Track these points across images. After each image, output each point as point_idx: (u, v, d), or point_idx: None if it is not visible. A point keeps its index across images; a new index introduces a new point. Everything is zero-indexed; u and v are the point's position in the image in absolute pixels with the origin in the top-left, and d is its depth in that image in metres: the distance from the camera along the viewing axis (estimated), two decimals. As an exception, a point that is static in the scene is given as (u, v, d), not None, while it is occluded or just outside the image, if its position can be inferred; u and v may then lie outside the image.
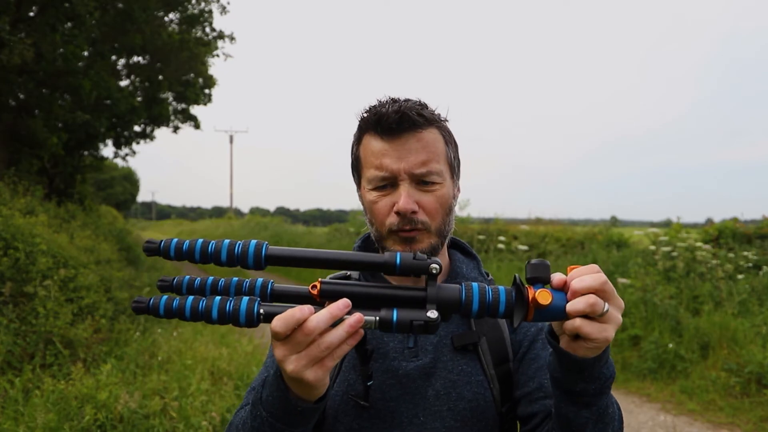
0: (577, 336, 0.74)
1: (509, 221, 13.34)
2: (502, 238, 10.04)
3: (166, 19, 12.79)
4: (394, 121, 0.93)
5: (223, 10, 13.00)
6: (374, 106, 0.98)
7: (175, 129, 15.17)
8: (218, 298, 0.76)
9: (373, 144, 0.97)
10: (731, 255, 7.44)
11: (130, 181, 34.65)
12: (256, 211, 44.55)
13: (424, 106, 0.98)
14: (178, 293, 0.79)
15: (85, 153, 13.62)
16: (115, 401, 3.56)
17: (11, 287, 4.71)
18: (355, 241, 1.12)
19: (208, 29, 13.48)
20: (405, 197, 0.93)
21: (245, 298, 0.75)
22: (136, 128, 14.20)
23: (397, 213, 0.94)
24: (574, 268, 0.76)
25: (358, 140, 1.01)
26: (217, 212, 67.20)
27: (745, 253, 7.52)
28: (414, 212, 0.94)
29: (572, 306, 0.72)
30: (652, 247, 7.93)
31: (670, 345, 5.50)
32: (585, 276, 0.74)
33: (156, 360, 4.71)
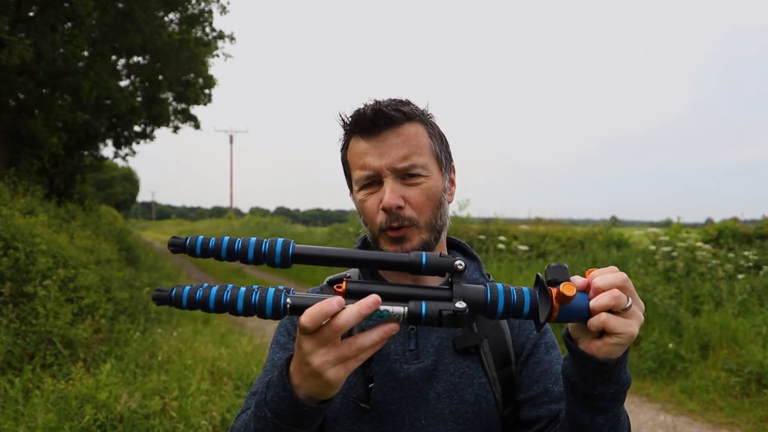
0: (601, 334, 0.74)
1: (509, 221, 13.34)
2: (502, 238, 10.04)
3: (166, 19, 12.79)
4: (370, 119, 0.94)
5: (223, 10, 13.00)
6: (355, 109, 0.99)
7: (175, 129, 15.18)
8: (243, 288, 0.74)
9: (356, 145, 0.98)
10: (731, 255, 7.44)
11: (130, 181, 34.65)
12: (256, 211, 44.54)
13: (405, 102, 0.98)
14: (177, 306, 0.75)
15: (85, 153, 13.63)
16: (115, 401, 3.56)
17: (11, 287, 4.71)
18: (354, 243, 1.12)
19: (208, 29, 13.48)
20: (389, 193, 0.93)
21: (271, 289, 0.74)
22: (136, 128, 14.20)
23: (384, 209, 0.94)
24: (592, 271, 0.77)
25: (345, 145, 1.02)
26: (217, 212, 67.21)
27: (745, 253, 7.52)
28: (400, 207, 0.93)
29: (597, 301, 0.72)
30: (652, 247, 7.93)
31: (670, 345, 5.50)
32: (607, 274, 0.75)
33: (156, 360, 4.71)
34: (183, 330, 5.84)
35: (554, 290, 0.74)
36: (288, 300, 0.73)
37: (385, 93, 1.01)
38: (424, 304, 0.73)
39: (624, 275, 0.75)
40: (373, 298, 0.72)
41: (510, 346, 1.00)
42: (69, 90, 10.27)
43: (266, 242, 0.77)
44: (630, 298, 0.73)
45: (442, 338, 0.99)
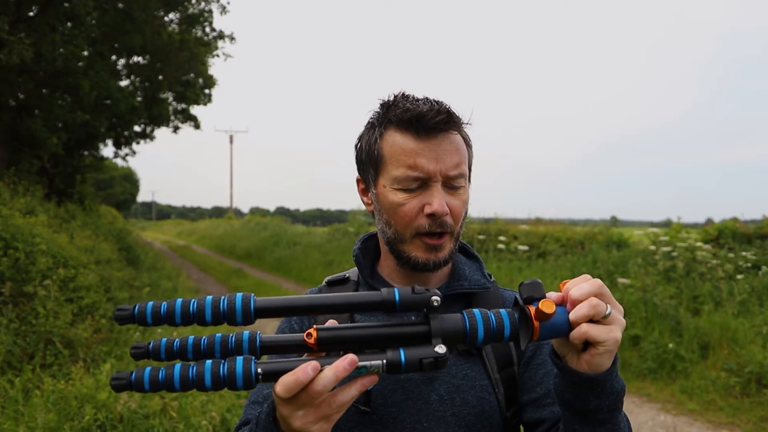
0: (585, 346, 0.73)
1: (509, 221, 13.34)
2: (502, 238, 10.04)
3: (166, 19, 12.80)
4: (439, 120, 0.91)
5: (223, 10, 13.01)
6: (401, 101, 0.95)
7: (175, 129, 15.19)
8: (209, 362, 0.70)
9: (404, 141, 0.93)
10: (731, 255, 7.44)
11: (130, 181, 34.64)
12: (256, 211, 44.56)
13: (450, 106, 0.97)
14: (156, 359, 0.71)
15: (85, 153, 13.63)
16: (115, 401, 3.55)
17: (11, 287, 4.71)
18: (355, 242, 1.10)
19: (208, 29, 13.49)
20: (440, 199, 0.91)
21: (239, 359, 0.70)
22: (136, 128, 14.21)
23: (431, 215, 0.92)
24: (566, 282, 0.76)
25: (380, 135, 0.96)
26: (217, 212, 67.21)
27: (745, 253, 7.52)
28: (446, 214, 0.92)
29: (576, 312, 0.71)
30: (652, 247, 7.93)
31: (670, 345, 5.50)
32: (582, 284, 0.73)
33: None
34: (183, 330, 5.84)
35: (532, 308, 0.72)
36: (259, 369, 0.69)
37: (385, 93, 0.99)
38: (402, 353, 0.71)
39: (599, 282, 0.73)
40: (350, 359, 0.69)
41: (512, 347, 1.00)
42: (69, 90, 10.27)
43: (224, 300, 0.72)
44: (608, 305, 0.72)
45: None
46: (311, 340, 0.72)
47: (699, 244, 7.76)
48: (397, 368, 0.71)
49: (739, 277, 6.74)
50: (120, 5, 10.68)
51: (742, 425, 4.44)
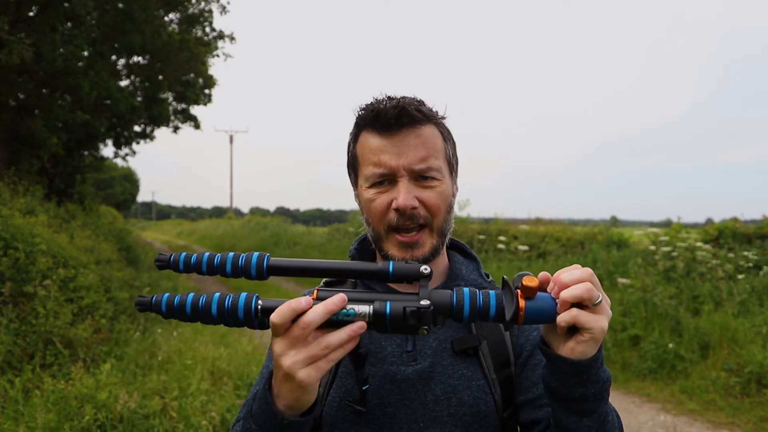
0: (571, 331, 0.75)
1: (509, 221, 13.34)
2: (502, 238, 10.04)
3: (166, 19, 12.79)
4: (393, 116, 0.91)
5: (223, 10, 13.00)
6: (371, 103, 0.96)
7: (175, 129, 15.17)
8: (218, 294, 0.78)
9: (371, 141, 0.95)
10: (731, 255, 7.44)
11: (130, 181, 34.63)
12: (256, 211, 44.56)
13: (421, 102, 0.97)
14: (157, 313, 0.81)
15: (85, 153, 13.62)
16: (115, 401, 3.56)
17: (11, 287, 4.71)
18: (352, 242, 1.11)
19: (208, 29, 13.48)
20: (404, 193, 0.92)
21: (243, 294, 0.78)
22: (136, 128, 14.20)
23: (397, 209, 0.92)
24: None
25: (355, 138, 0.99)
26: (217, 212, 67.19)
27: (745, 253, 7.52)
28: (414, 208, 0.92)
29: (568, 292, 0.72)
30: (652, 247, 7.94)
31: (670, 345, 5.50)
32: (573, 271, 0.75)
33: (156, 360, 4.71)
34: (183, 330, 5.84)
35: (519, 291, 0.75)
36: (260, 302, 0.77)
37: (386, 92, 0.99)
38: (388, 303, 0.75)
39: (589, 270, 0.75)
40: (340, 296, 0.74)
41: (509, 347, 0.99)
42: (69, 90, 10.27)
43: (242, 256, 0.82)
44: (599, 293, 0.73)
45: (440, 340, 0.98)
46: (313, 296, 0.78)
47: (699, 244, 7.77)
48: (382, 316, 0.75)
49: (739, 277, 6.74)
50: (120, 5, 10.68)
51: (742, 425, 4.44)
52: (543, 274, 0.77)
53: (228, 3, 12.96)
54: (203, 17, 12.99)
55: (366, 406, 0.93)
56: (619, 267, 7.77)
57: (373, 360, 0.97)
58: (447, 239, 1.01)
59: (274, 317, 0.73)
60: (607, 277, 7.42)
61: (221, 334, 5.75)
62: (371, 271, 0.81)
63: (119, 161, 16.18)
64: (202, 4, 12.79)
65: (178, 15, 12.83)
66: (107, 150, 41.09)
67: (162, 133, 35.98)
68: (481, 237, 10.32)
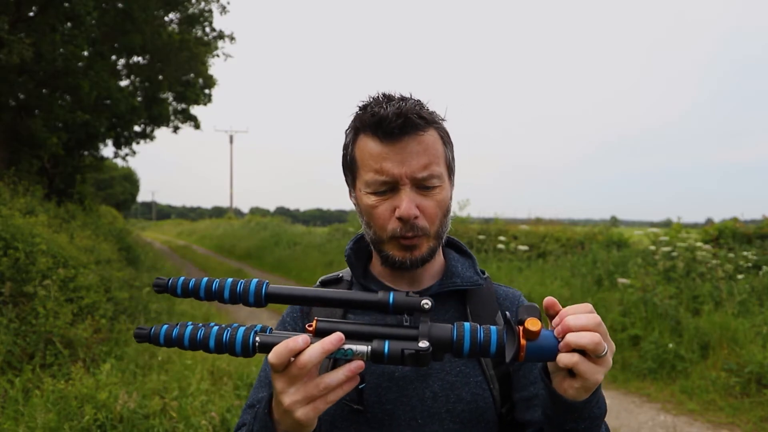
0: (569, 373, 0.75)
1: (509, 221, 13.34)
2: (502, 238, 10.03)
3: (166, 18, 12.79)
4: (396, 125, 0.90)
5: (223, 10, 13.00)
6: (370, 105, 0.94)
7: (175, 129, 15.18)
8: (216, 327, 0.79)
9: (372, 146, 0.93)
10: (731, 255, 7.44)
11: (130, 181, 34.62)
12: (256, 211, 44.56)
13: (421, 105, 0.95)
14: (155, 344, 0.81)
15: (85, 153, 13.62)
16: (115, 401, 3.56)
17: (11, 287, 4.71)
18: (348, 242, 1.10)
19: (208, 29, 13.48)
20: (407, 203, 0.91)
21: (242, 328, 0.78)
22: (136, 128, 14.20)
23: (399, 219, 0.92)
24: (565, 309, 0.77)
25: (353, 141, 0.97)
26: (217, 212, 67.18)
27: (745, 253, 7.52)
28: (416, 217, 0.92)
29: (576, 339, 0.72)
30: (652, 247, 7.93)
31: (670, 345, 5.50)
32: (580, 315, 0.74)
33: (156, 360, 4.71)
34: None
35: (521, 328, 0.74)
36: (257, 339, 0.77)
37: (377, 89, 0.99)
38: (387, 343, 0.76)
39: (598, 319, 0.74)
40: (337, 335, 0.74)
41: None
42: (69, 90, 10.27)
43: (241, 283, 0.82)
44: (606, 344, 0.73)
45: None
46: (311, 328, 0.78)
47: (699, 244, 7.76)
48: (380, 357, 0.75)
49: (739, 277, 6.74)
50: (120, 5, 10.67)
51: (742, 425, 4.44)
52: (549, 300, 0.77)
53: (228, 3, 12.97)
54: (203, 17, 12.99)
55: (363, 404, 0.94)
56: (619, 267, 7.77)
57: None
58: (443, 240, 1.02)
59: (272, 357, 0.73)
60: (607, 277, 7.42)
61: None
62: (371, 302, 0.81)
63: (119, 161, 16.19)
64: (202, 4, 12.80)
65: (178, 15, 12.83)
66: (107, 150, 41.11)
67: (162, 133, 35.99)
68: (481, 237, 10.32)
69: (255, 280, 0.82)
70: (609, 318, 6.20)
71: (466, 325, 0.77)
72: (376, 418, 0.94)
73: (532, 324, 0.73)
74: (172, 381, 4.12)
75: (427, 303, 0.78)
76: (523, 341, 0.74)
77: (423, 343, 0.75)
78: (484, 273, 1.08)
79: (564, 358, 0.72)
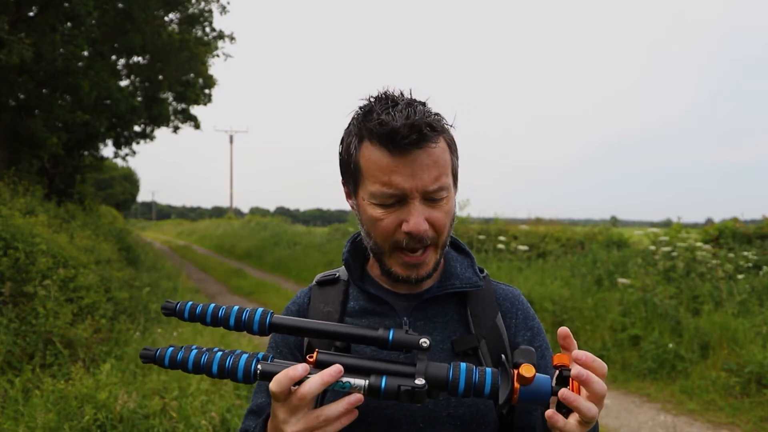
0: (565, 407, 0.78)
1: (509, 221, 13.34)
2: (502, 238, 10.03)
3: (166, 18, 12.79)
4: (410, 141, 0.85)
5: (223, 10, 13.00)
6: (375, 110, 0.89)
7: (175, 129, 15.18)
8: (220, 353, 0.82)
9: (380, 157, 0.88)
10: (731, 255, 7.44)
11: (130, 181, 34.61)
12: (256, 211, 44.55)
13: (430, 112, 0.90)
14: (160, 365, 0.84)
15: (85, 153, 13.62)
16: (114, 401, 3.56)
17: (11, 287, 4.71)
18: (345, 242, 1.08)
19: (208, 29, 13.48)
20: (417, 216, 0.88)
21: (245, 355, 0.81)
22: (136, 128, 14.20)
23: (410, 233, 0.89)
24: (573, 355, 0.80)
25: (357, 147, 0.91)
26: (217, 212, 67.16)
27: (745, 253, 7.52)
28: (423, 232, 0.90)
29: (594, 385, 0.75)
30: (652, 247, 7.93)
31: (670, 345, 5.50)
32: (598, 381, 0.77)
33: (156, 360, 4.70)
34: (183, 330, 5.84)
35: (516, 372, 0.77)
36: (259, 367, 0.80)
37: (378, 88, 0.92)
38: (384, 378, 0.79)
39: (605, 367, 0.79)
40: (336, 368, 0.77)
41: (507, 347, 1.00)
42: (69, 90, 10.27)
43: (246, 312, 0.85)
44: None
45: (438, 341, 0.98)
46: (312, 360, 0.81)
47: (699, 244, 7.76)
48: (376, 391, 0.78)
49: (739, 277, 6.74)
50: (120, 5, 10.67)
51: (742, 425, 4.44)
52: (563, 331, 0.80)
53: (228, 3, 12.98)
54: (203, 17, 12.99)
55: (364, 409, 0.93)
56: (619, 267, 7.77)
57: None
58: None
59: (273, 386, 0.76)
60: (607, 277, 7.42)
61: (221, 335, 5.75)
62: (371, 338, 0.84)
63: (119, 161, 16.20)
64: (202, 4, 12.80)
65: (178, 15, 12.83)
66: (107, 150, 41.08)
67: (162, 133, 35.98)
68: (481, 237, 10.32)
69: (260, 310, 0.85)
70: (609, 318, 6.21)
71: (462, 365, 0.80)
72: (377, 421, 0.94)
73: (527, 370, 0.75)
74: (172, 381, 4.12)
75: (425, 341, 0.81)
76: (516, 385, 0.76)
77: (419, 381, 0.78)
78: (483, 271, 1.07)
79: (566, 394, 0.75)
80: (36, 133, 9.73)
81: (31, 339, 4.43)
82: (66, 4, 8.98)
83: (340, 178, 1.01)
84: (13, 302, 4.70)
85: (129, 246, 10.86)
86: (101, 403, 3.50)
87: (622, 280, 6.85)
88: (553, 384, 0.78)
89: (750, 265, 7.29)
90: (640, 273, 6.99)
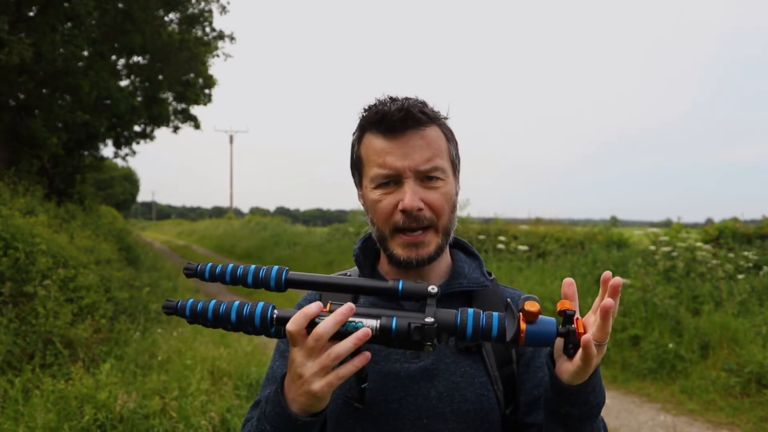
0: (569, 352, 0.79)
1: (509, 221, 13.34)
2: (502, 238, 10.04)
3: (166, 18, 12.79)
4: (398, 119, 0.92)
5: (223, 10, 13.00)
6: (375, 105, 0.97)
7: (175, 129, 15.18)
8: (237, 302, 0.85)
9: (376, 142, 0.96)
10: (731, 255, 7.44)
11: (130, 181, 34.60)
12: (256, 211, 44.53)
13: (425, 104, 0.98)
14: (182, 316, 0.87)
15: (85, 153, 13.62)
16: (114, 401, 3.56)
17: (11, 287, 4.71)
18: (355, 242, 1.11)
19: (208, 29, 13.49)
20: (411, 194, 0.93)
21: (261, 303, 0.84)
22: (136, 128, 14.20)
23: (403, 211, 0.93)
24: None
25: (359, 139, 1.00)
26: (217, 212, 67.14)
27: (745, 253, 7.52)
28: (420, 209, 0.94)
29: (605, 326, 0.77)
30: (652, 247, 7.93)
31: (670, 345, 5.50)
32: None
33: (156, 360, 4.71)
34: (183, 330, 5.84)
35: (521, 313, 0.78)
36: (276, 312, 0.83)
37: (383, 92, 0.99)
38: (395, 318, 0.80)
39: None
40: (348, 305, 0.80)
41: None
42: (69, 90, 10.27)
43: (263, 269, 0.89)
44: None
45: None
46: (326, 309, 0.83)
47: (699, 244, 7.76)
48: (388, 331, 0.80)
49: (740, 277, 6.74)
50: (120, 5, 10.67)
51: (742, 425, 4.44)
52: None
53: (228, 3, 12.98)
54: (203, 17, 12.99)
55: (364, 403, 0.95)
56: (619, 267, 7.77)
57: (376, 358, 0.97)
58: (451, 238, 1.03)
59: (290, 326, 0.79)
60: (607, 277, 7.41)
61: (221, 335, 5.75)
62: (381, 288, 0.87)
63: (119, 161, 16.19)
64: (202, 4, 12.80)
65: (178, 15, 12.83)
66: (107, 150, 41.04)
67: (162, 133, 35.95)
68: (481, 237, 10.32)
69: (276, 267, 0.89)
70: (609, 318, 6.20)
71: (470, 310, 0.81)
72: (381, 416, 0.95)
73: (531, 305, 0.77)
74: (172, 381, 4.12)
75: (433, 288, 0.83)
76: (523, 325, 0.77)
77: (428, 318, 0.80)
78: (490, 275, 1.09)
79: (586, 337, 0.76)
80: (36, 133, 9.73)
81: (31, 339, 4.43)
82: (66, 4, 8.98)
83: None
84: (13, 302, 4.70)
85: (129, 246, 10.86)
86: (101, 403, 3.50)
87: (622, 280, 6.84)
88: (559, 327, 0.80)
89: (750, 265, 7.29)
90: (640, 273, 6.99)
